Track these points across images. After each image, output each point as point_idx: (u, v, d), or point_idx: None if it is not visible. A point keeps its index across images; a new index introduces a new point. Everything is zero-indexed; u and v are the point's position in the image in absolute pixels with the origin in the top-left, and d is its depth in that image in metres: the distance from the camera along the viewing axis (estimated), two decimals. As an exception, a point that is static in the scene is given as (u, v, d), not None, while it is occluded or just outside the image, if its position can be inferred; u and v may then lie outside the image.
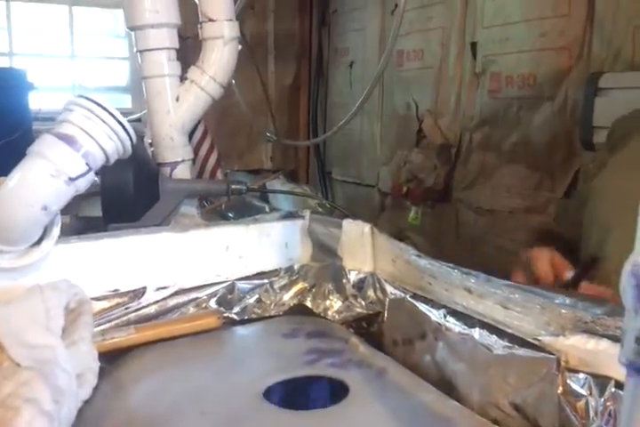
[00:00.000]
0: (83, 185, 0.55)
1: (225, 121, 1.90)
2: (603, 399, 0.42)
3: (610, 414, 0.42)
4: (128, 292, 0.65)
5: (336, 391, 0.50)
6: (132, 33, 0.92)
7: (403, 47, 1.80)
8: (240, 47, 0.99)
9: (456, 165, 1.64)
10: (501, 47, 1.50)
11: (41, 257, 0.57)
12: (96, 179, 0.61)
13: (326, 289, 0.74)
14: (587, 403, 0.43)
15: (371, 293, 0.70)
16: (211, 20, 0.93)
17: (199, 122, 1.19)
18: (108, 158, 0.56)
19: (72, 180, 0.53)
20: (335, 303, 0.73)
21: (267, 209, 1.11)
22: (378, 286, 0.69)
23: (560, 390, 0.45)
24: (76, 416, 0.47)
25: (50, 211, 0.54)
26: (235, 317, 0.70)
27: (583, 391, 0.44)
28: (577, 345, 0.45)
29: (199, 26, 0.95)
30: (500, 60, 1.50)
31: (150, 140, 0.99)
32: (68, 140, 0.53)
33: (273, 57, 2.17)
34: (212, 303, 0.69)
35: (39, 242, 0.58)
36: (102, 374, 0.57)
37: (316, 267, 0.75)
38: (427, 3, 1.72)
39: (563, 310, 0.47)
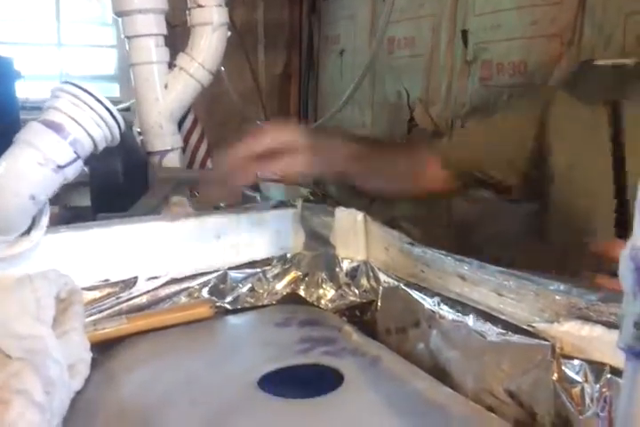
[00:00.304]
0: (71, 173, 0.54)
1: (215, 110, 1.88)
2: (598, 386, 0.42)
3: (605, 401, 0.42)
4: (119, 282, 0.64)
5: (330, 380, 0.50)
6: (119, 19, 0.91)
7: (393, 34, 1.79)
8: (229, 34, 0.98)
9: (447, 154, 1.64)
10: (492, 35, 1.49)
11: (30, 247, 0.57)
12: (85, 168, 0.60)
13: (319, 278, 0.74)
14: (582, 389, 0.43)
15: (364, 281, 0.70)
16: (199, 5, 0.92)
17: (188, 111, 1.18)
18: (96, 146, 0.55)
19: (60, 168, 0.52)
20: (328, 292, 0.73)
21: (258, 198, 1.11)
22: (371, 274, 0.69)
23: (555, 376, 0.45)
24: (68, 407, 0.46)
25: (38, 200, 0.53)
26: (227, 306, 0.70)
27: (578, 378, 0.43)
28: (571, 331, 0.45)
29: (187, 12, 0.94)
30: (492, 47, 1.50)
31: (139, 129, 0.98)
32: (56, 127, 0.52)
33: (263, 45, 2.15)
34: (205, 293, 0.69)
35: (28, 232, 0.57)
36: (94, 364, 0.56)
37: (308, 256, 0.75)
38: (418, -11, 1.71)
39: (557, 297, 0.47)
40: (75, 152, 0.53)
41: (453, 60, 1.62)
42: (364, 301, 0.69)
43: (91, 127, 0.53)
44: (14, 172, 0.52)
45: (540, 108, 0.82)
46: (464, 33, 1.58)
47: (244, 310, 0.70)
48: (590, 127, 0.75)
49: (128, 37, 0.91)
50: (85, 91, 0.53)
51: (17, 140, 0.53)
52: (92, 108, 0.53)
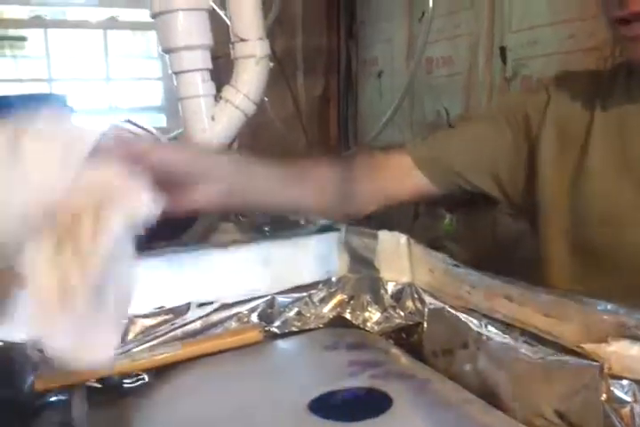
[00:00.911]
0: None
1: (258, 138, 1.92)
2: (648, 406, 0.42)
3: (655, 420, 0.42)
4: (173, 308, 0.67)
5: (379, 403, 0.50)
6: (167, 55, 0.95)
7: (431, 54, 1.81)
8: (271, 65, 1.01)
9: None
10: (530, 51, 1.49)
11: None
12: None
13: (364, 301, 0.75)
14: (631, 409, 0.43)
15: (409, 303, 0.70)
16: (242, 39, 0.96)
17: (233, 140, 1.22)
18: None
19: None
20: (374, 315, 0.74)
21: (301, 222, 1.12)
22: (416, 296, 0.69)
23: (604, 397, 0.45)
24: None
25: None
26: (276, 330, 0.71)
27: (627, 398, 0.43)
28: (620, 351, 0.45)
29: (231, 46, 0.98)
30: (530, 63, 1.50)
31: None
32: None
33: (302, 72, 2.19)
34: (254, 318, 0.71)
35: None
36: (149, 389, 0.59)
37: (353, 279, 0.76)
38: (454, 9, 1.73)
39: (604, 316, 0.47)
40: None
41: (492, 78, 1.62)
42: (410, 323, 0.70)
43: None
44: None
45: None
46: (502, 50, 1.59)
47: (291, 333, 0.71)
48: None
49: (175, 73, 0.95)
50: (140, 127, 0.56)
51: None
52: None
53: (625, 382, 0.44)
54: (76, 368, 0.44)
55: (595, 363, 0.46)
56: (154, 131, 0.57)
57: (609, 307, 0.47)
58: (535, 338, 0.52)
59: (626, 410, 0.43)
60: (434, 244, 0.71)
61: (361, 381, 0.54)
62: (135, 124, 0.57)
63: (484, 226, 1.66)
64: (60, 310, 0.38)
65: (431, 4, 1.46)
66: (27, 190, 0.39)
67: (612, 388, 0.44)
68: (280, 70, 1.12)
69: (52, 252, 0.38)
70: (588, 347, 0.47)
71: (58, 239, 0.39)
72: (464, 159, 0.77)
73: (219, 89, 1.00)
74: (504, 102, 0.94)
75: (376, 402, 0.51)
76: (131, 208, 0.41)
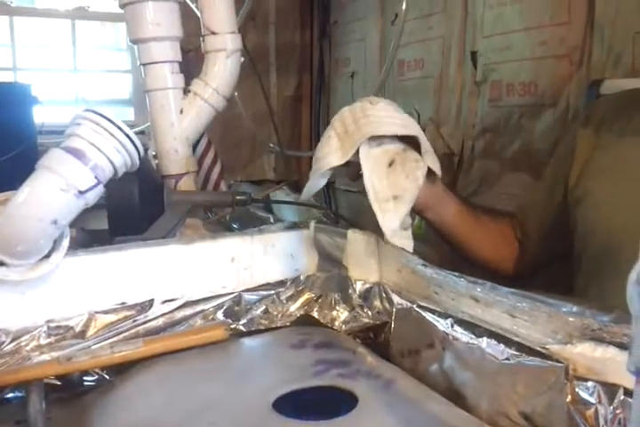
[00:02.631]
0: (92, 198, 0.55)
1: (228, 133, 1.90)
2: (612, 407, 0.42)
3: (620, 422, 0.42)
4: (135, 305, 0.65)
5: (345, 402, 0.50)
6: (135, 46, 0.93)
7: (403, 57, 1.81)
8: (242, 59, 1.00)
9: (458, 174, 1.65)
10: (502, 56, 1.51)
11: (50, 270, 0.58)
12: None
13: (333, 299, 0.74)
14: (596, 411, 0.43)
15: (377, 303, 0.70)
16: (213, 32, 0.94)
17: (202, 134, 1.20)
18: (116, 171, 0.56)
19: (82, 193, 0.54)
20: (342, 314, 0.74)
21: (271, 220, 1.12)
22: (384, 295, 0.69)
23: (569, 398, 0.45)
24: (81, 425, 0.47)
25: (60, 224, 0.55)
26: (242, 328, 0.70)
27: (592, 400, 0.44)
28: (585, 353, 0.45)
29: (201, 39, 0.96)
30: (501, 68, 1.51)
31: (154, 153, 1.00)
32: (77, 154, 0.53)
33: (275, 68, 2.18)
34: (220, 315, 0.70)
35: (48, 255, 0.58)
36: (110, 387, 0.57)
37: (322, 277, 0.76)
38: (427, 12, 1.74)
39: (570, 318, 0.47)
40: (96, 178, 0.54)
41: (463, 81, 1.63)
42: (378, 322, 0.69)
43: (111, 153, 0.55)
44: (37, 197, 0.54)
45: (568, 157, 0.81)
46: (473, 54, 1.60)
47: (258, 331, 0.70)
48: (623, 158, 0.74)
49: (144, 64, 0.93)
50: (106, 118, 0.55)
51: (39, 166, 0.54)
52: (112, 135, 0.54)
53: (590, 383, 0.44)
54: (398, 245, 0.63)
55: (559, 364, 0.46)
56: (119, 122, 0.56)
57: (574, 309, 0.48)
58: (501, 339, 0.52)
59: (590, 412, 0.43)
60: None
61: (327, 380, 0.54)
62: (99, 115, 0.55)
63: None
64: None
65: (404, 6, 1.46)
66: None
67: (576, 389, 0.45)
68: (252, 66, 1.10)
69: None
70: (554, 348, 0.48)
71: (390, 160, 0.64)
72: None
73: (188, 83, 0.98)
74: None
75: (341, 401, 0.50)
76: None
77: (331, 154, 0.65)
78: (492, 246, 0.84)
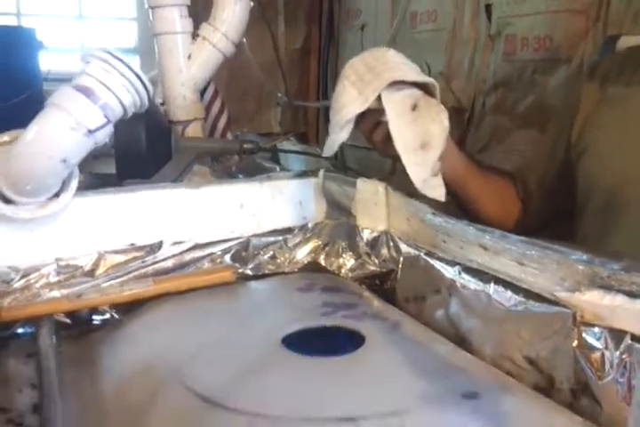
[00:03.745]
0: (101, 137, 0.55)
1: (234, 83, 1.87)
2: (618, 352, 0.43)
3: (625, 367, 0.42)
4: (145, 246, 0.65)
5: (352, 341, 0.51)
6: (144, -12, 0.91)
7: (416, 9, 1.77)
8: (252, 4, 0.97)
9: (469, 129, 1.63)
10: (517, 9, 1.47)
11: (59, 209, 0.58)
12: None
13: (340, 247, 0.75)
14: (602, 355, 0.44)
15: (384, 251, 0.70)
16: (224, -26, 0.91)
17: (209, 82, 1.18)
18: (125, 111, 0.55)
19: (91, 132, 0.53)
20: (348, 261, 0.74)
21: (277, 170, 1.11)
22: (392, 244, 0.69)
23: (575, 343, 0.46)
24: (92, 361, 0.48)
25: (69, 163, 0.54)
26: (249, 272, 0.71)
27: (598, 344, 0.44)
28: (593, 300, 0.45)
29: (212, -19, 0.94)
30: (516, 21, 1.47)
31: (162, 100, 0.99)
32: (87, 92, 0.52)
33: (283, 18, 2.13)
34: (227, 259, 0.70)
35: (57, 194, 0.58)
36: (119, 324, 0.58)
37: (329, 225, 0.76)
38: (441, -37, 1.68)
39: (579, 266, 0.47)
40: (105, 116, 0.53)
41: (477, 35, 1.59)
42: (384, 270, 0.70)
43: (120, 92, 0.54)
44: (46, 135, 0.53)
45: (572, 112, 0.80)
46: (487, 7, 1.56)
47: (265, 276, 0.71)
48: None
49: (152, 8, 0.91)
50: (115, 57, 0.54)
51: (48, 104, 0.53)
52: (121, 74, 0.53)
53: (597, 329, 0.45)
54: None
55: (566, 310, 0.47)
56: (128, 61, 0.54)
57: (584, 257, 0.48)
58: (508, 286, 0.52)
59: (596, 355, 0.44)
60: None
61: (334, 320, 0.54)
62: (109, 53, 0.54)
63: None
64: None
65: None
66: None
67: (583, 334, 0.45)
68: (261, 12, 1.08)
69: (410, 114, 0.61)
70: (561, 295, 0.48)
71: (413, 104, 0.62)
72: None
73: (197, 29, 0.96)
74: None
75: (349, 339, 0.51)
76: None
77: (350, 103, 0.63)
78: (499, 203, 0.84)
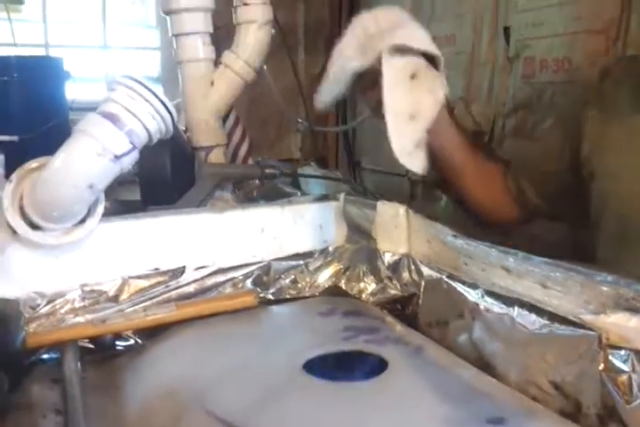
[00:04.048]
0: (127, 163, 0.56)
1: (255, 111, 1.90)
2: (646, 375, 0.42)
3: (654, 390, 0.42)
4: (168, 271, 0.66)
5: (375, 366, 0.50)
6: (168, 17, 0.93)
7: (434, 33, 1.78)
8: (273, 31, 0.99)
9: (488, 152, 1.63)
10: (535, 31, 1.47)
11: (85, 235, 0.59)
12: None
13: (361, 271, 0.75)
14: (629, 378, 0.43)
15: (406, 274, 0.70)
16: (245, 3, 0.94)
17: (231, 110, 1.20)
18: (150, 137, 0.57)
19: (117, 158, 0.54)
20: (369, 285, 0.74)
21: (298, 195, 1.11)
22: (413, 267, 0.69)
23: (601, 366, 0.45)
24: (116, 386, 0.48)
25: (95, 189, 0.55)
26: (270, 297, 0.71)
27: (625, 367, 0.43)
28: (618, 322, 0.45)
29: (233, 10, 0.96)
30: (534, 44, 1.48)
31: (184, 127, 1.00)
32: (113, 118, 0.54)
33: (302, 46, 2.16)
34: (248, 284, 0.70)
35: (83, 220, 0.59)
36: (142, 350, 0.58)
37: (350, 249, 0.76)
38: (458, -13, 1.70)
39: (603, 288, 0.46)
40: (131, 142, 0.55)
41: (495, 58, 1.60)
42: (406, 294, 0.69)
43: (145, 118, 0.55)
44: (73, 161, 0.54)
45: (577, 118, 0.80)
46: (506, 30, 1.57)
47: (286, 300, 0.71)
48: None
49: (176, 36, 0.93)
50: (141, 83, 0.55)
51: (75, 130, 0.55)
52: (146, 100, 0.55)
53: (623, 352, 0.44)
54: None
55: (592, 333, 0.46)
56: (153, 88, 0.56)
57: (608, 278, 0.47)
58: (532, 309, 0.52)
59: (623, 379, 0.43)
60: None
61: (356, 345, 0.54)
62: (134, 80, 0.55)
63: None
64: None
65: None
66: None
67: (609, 357, 0.44)
68: (282, 39, 1.10)
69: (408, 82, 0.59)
70: (587, 318, 0.47)
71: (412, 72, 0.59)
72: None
73: (219, 56, 0.98)
74: None
75: (371, 364, 0.51)
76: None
77: (350, 58, 0.62)
78: (488, 189, 0.82)
